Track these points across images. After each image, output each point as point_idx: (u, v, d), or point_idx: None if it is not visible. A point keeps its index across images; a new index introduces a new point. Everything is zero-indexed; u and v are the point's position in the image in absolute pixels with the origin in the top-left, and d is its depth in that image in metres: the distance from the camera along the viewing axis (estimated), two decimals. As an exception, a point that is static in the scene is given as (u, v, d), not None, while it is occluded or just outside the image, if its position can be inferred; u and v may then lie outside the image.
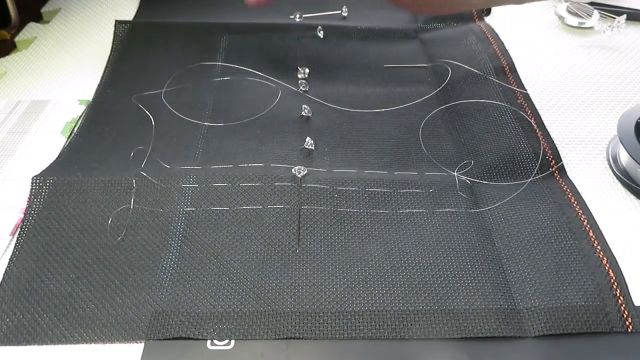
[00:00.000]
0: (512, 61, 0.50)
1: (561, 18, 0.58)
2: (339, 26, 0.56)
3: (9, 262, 0.33)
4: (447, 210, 0.37)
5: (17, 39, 0.55)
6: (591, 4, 0.59)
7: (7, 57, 0.52)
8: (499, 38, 0.54)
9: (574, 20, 0.58)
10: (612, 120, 0.42)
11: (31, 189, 0.36)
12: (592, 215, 0.36)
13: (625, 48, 0.55)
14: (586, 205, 0.37)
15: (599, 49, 0.55)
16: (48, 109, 0.46)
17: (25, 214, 0.35)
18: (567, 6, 0.59)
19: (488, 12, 0.60)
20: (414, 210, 0.37)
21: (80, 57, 0.53)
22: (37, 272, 0.32)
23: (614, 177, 0.40)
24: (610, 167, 0.41)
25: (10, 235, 0.35)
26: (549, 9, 0.61)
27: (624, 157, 0.40)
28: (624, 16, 0.55)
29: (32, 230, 0.34)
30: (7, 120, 0.44)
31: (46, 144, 0.42)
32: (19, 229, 0.34)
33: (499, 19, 0.59)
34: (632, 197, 0.39)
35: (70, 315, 0.30)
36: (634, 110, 0.41)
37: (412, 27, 0.57)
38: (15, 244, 0.34)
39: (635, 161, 0.37)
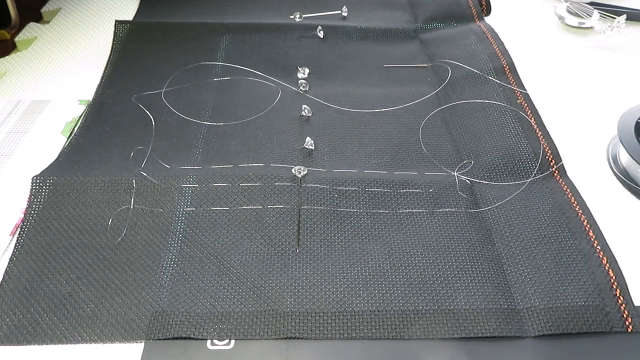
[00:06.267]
0: (512, 61, 0.50)
1: (561, 18, 0.58)
2: (339, 26, 0.56)
3: (9, 262, 0.33)
4: (447, 210, 0.37)
5: (17, 39, 0.55)
6: (591, 4, 0.59)
7: (7, 57, 0.52)
8: (499, 38, 0.54)
9: (574, 20, 0.58)
10: (612, 120, 0.42)
11: (31, 189, 0.36)
12: (592, 215, 0.36)
13: (625, 48, 0.55)
14: (586, 205, 0.37)
15: (599, 49, 0.55)
16: (48, 109, 0.46)
17: (25, 214, 0.35)
18: (567, 6, 0.59)
19: (488, 11, 0.60)
20: (414, 210, 0.37)
21: (80, 57, 0.53)
22: (37, 272, 0.32)
23: (614, 177, 0.40)
24: (610, 167, 0.41)
25: (10, 235, 0.35)
26: (549, 9, 0.61)
27: (624, 157, 0.40)
28: (624, 16, 0.55)
29: (32, 230, 0.34)
30: (7, 120, 0.44)
31: (46, 144, 0.42)
32: (19, 229, 0.34)
33: (499, 19, 0.59)
34: (632, 197, 0.39)
35: (70, 315, 0.30)
36: (634, 110, 0.41)
37: (412, 27, 0.57)
38: (15, 244, 0.34)
39: (635, 161, 0.37)
